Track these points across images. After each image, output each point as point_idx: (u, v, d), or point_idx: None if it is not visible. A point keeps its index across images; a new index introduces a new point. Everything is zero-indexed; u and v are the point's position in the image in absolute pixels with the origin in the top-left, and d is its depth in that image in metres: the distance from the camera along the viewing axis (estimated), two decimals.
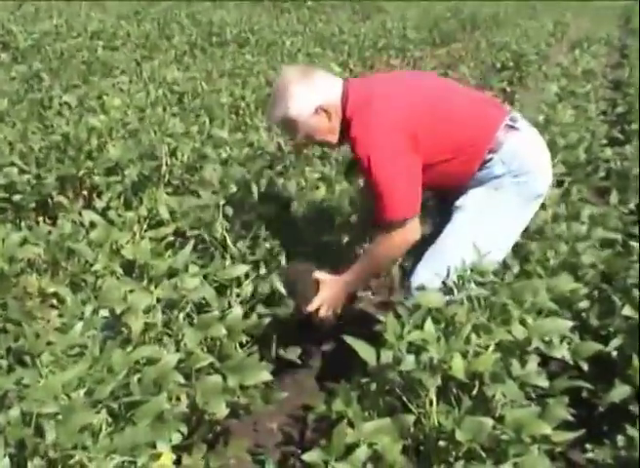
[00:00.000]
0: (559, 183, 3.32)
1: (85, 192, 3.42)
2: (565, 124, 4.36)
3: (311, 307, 2.31)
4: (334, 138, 2.29)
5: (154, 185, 3.15)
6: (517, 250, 2.47)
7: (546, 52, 9.30)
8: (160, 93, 4.58)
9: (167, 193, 3.03)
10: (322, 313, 2.33)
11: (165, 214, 2.73)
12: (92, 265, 2.28)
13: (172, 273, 2.10)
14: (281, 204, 2.79)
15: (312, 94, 2.23)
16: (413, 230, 2.20)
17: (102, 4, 11.08)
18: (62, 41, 7.20)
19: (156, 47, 7.57)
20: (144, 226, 2.72)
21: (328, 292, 2.31)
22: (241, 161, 3.22)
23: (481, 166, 2.28)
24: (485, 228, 2.25)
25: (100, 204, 3.03)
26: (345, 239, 2.79)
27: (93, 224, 2.57)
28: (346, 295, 2.37)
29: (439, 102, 2.29)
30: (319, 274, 2.34)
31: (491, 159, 2.27)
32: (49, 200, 3.31)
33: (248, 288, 2.28)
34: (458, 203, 2.32)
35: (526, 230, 2.46)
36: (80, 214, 2.76)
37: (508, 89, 6.95)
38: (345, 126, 2.24)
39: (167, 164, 3.32)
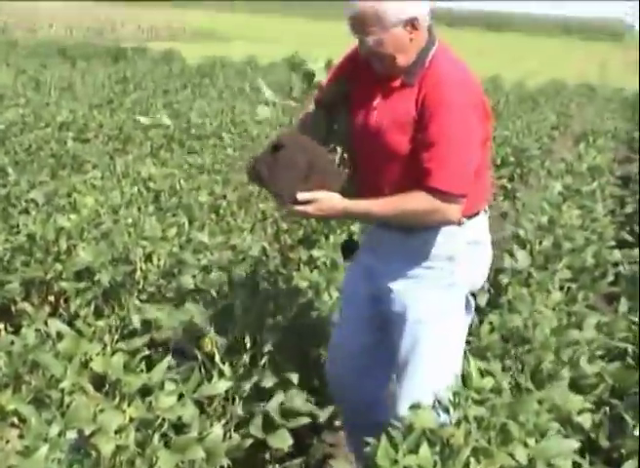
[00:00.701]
0: (561, 289, 3.43)
1: (52, 298, 3.47)
2: (570, 226, 4.52)
3: (301, 196, 2.17)
4: (403, 61, 2.20)
5: (127, 292, 3.23)
6: (509, 362, 2.54)
7: (549, 146, 9.63)
8: (135, 190, 4.73)
9: (141, 301, 3.11)
10: (300, 210, 2.21)
11: (138, 324, 2.80)
12: (58, 380, 2.30)
13: (146, 390, 2.15)
14: (267, 312, 2.88)
15: (414, 2, 2.17)
16: (456, 212, 2.16)
17: (74, 91, 11.44)
18: (29, 132, 7.41)
19: (130, 139, 7.81)
20: (116, 337, 2.79)
21: (325, 203, 2.20)
22: (223, 266, 3.33)
23: (439, 229, 2.24)
24: (450, 345, 2.29)
25: (68, 312, 3.09)
26: None
27: (60, 335, 2.61)
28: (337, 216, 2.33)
29: None
30: (319, 194, 2.19)
31: (454, 227, 2.24)
32: (12, 306, 3.37)
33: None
34: (411, 312, 2.26)
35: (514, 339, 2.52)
36: (46, 322, 2.81)
37: (509, 186, 7.15)
38: (420, 65, 2.19)
39: (141, 269, 3.42)
